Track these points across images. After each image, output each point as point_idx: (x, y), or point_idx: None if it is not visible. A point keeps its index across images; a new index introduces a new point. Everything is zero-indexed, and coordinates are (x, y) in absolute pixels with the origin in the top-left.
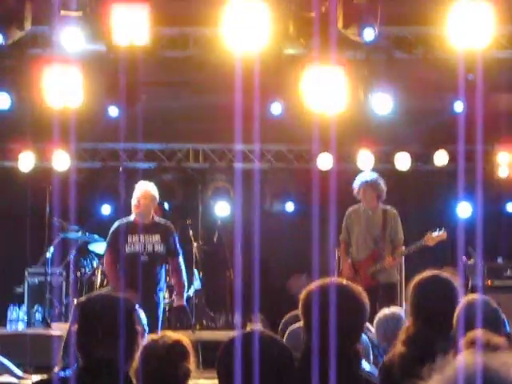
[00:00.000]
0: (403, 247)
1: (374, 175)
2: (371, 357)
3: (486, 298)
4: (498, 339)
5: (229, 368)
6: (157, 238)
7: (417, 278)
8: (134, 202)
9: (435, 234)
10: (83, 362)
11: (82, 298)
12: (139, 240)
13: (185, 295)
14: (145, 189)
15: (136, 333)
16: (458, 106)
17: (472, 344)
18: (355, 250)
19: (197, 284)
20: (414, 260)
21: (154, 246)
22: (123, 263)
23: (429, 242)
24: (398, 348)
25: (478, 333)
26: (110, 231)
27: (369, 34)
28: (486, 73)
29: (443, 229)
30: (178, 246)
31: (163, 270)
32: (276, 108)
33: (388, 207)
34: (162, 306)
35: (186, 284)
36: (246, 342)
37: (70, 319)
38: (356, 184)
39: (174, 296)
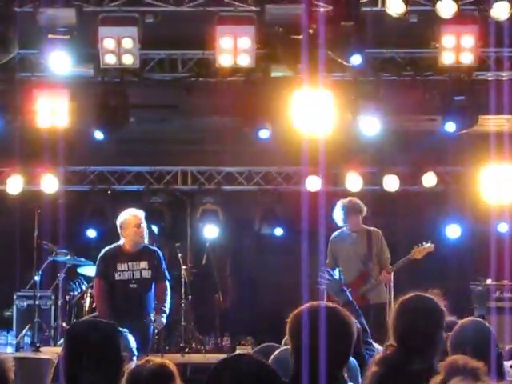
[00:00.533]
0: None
1: (355, 200)
2: (359, 380)
3: (478, 320)
4: (477, 364)
5: None
6: (144, 264)
7: (400, 299)
8: (131, 227)
9: (422, 247)
10: None
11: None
12: (128, 268)
13: (163, 318)
14: (140, 215)
15: (121, 359)
16: (449, 127)
17: (450, 368)
18: (345, 273)
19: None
20: (404, 281)
21: (141, 272)
22: (113, 291)
23: (416, 255)
24: (372, 368)
25: (458, 358)
26: (99, 258)
27: (356, 59)
28: (474, 95)
29: (429, 242)
30: (165, 271)
31: (151, 293)
32: (264, 132)
33: (371, 228)
34: (151, 329)
35: (167, 308)
36: (235, 366)
37: (61, 343)
38: (338, 212)
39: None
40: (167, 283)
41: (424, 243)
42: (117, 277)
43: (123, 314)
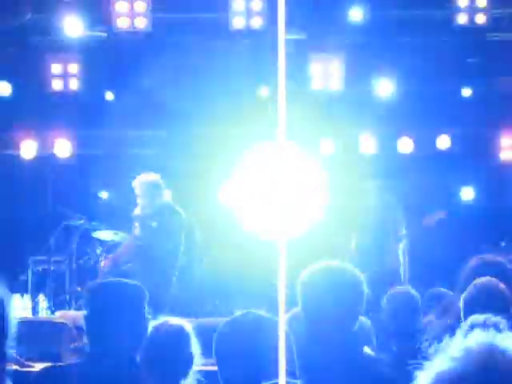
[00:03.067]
0: None
1: None
2: (373, 340)
3: (493, 280)
4: (498, 320)
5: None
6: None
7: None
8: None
9: (431, 216)
10: (91, 349)
11: (93, 283)
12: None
13: None
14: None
15: (145, 320)
16: (465, 91)
17: (472, 326)
18: None
19: None
20: (418, 249)
21: None
22: None
23: (428, 222)
24: None
25: (481, 316)
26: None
27: (355, 14)
28: (490, 56)
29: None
30: None
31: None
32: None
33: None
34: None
35: None
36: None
37: (76, 307)
38: None
39: None
40: None
41: (437, 211)
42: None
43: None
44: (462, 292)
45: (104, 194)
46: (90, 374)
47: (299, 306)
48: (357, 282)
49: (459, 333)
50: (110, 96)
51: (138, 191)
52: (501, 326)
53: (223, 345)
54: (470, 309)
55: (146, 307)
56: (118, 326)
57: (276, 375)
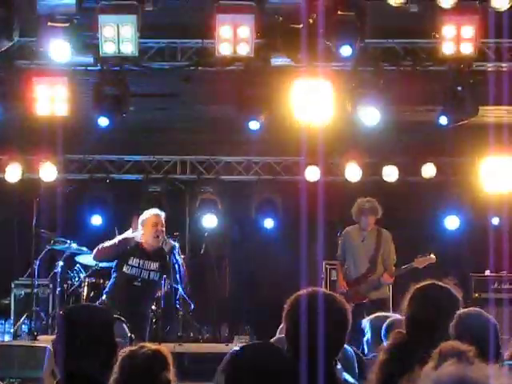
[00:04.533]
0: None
1: (374, 201)
2: (356, 369)
3: (478, 310)
4: (467, 348)
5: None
6: (155, 266)
7: (415, 287)
8: (148, 225)
9: (425, 257)
10: (61, 374)
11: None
12: (138, 265)
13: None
14: (159, 215)
15: (114, 345)
16: (443, 121)
17: (443, 354)
18: (352, 268)
19: None
20: (404, 276)
21: (150, 273)
22: (118, 280)
23: (418, 265)
24: (380, 355)
25: (448, 344)
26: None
27: (346, 50)
28: (474, 85)
29: (431, 253)
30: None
31: (152, 295)
32: (254, 123)
33: (382, 229)
34: (148, 318)
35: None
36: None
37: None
38: (357, 210)
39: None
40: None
41: (427, 254)
42: (125, 269)
43: (121, 308)
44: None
45: (89, 221)
46: None
47: (284, 331)
48: (343, 309)
49: (431, 362)
50: (95, 121)
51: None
52: (470, 355)
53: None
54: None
55: (116, 332)
56: (85, 350)
57: None
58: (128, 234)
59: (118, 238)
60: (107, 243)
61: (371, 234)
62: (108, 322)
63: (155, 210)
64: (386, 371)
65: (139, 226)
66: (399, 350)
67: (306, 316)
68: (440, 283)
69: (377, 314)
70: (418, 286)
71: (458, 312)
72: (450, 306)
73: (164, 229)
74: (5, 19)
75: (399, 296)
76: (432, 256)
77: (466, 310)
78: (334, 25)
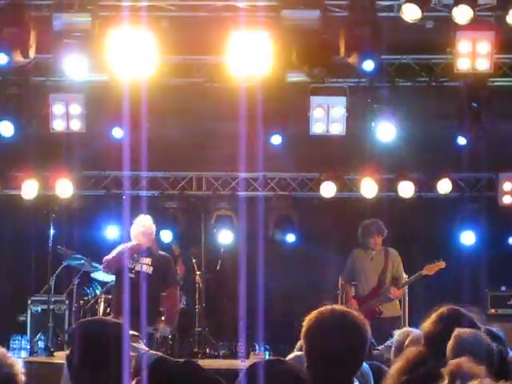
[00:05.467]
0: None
1: (378, 222)
2: None
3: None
4: (478, 368)
5: None
6: (147, 260)
7: (438, 311)
8: (137, 228)
9: (434, 263)
10: None
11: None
12: (131, 258)
13: (168, 329)
14: (146, 218)
15: (127, 359)
16: (461, 139)
17: (451, 372)
18: (362, 287)
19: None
20: (418, 291)
21: (142, 266)
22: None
23: (427, 272)
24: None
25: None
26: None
27: (369, 65)
28: (490, 101)
29: (441, 259)
30: (173, 276)
31: (152, 292)
32: (276, 137)
33: (389, 248)
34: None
35: (175, 318)
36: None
37: None
38: (364, 232)
39: (159, 324)
40: (177, 289)
41: (436, 260)
42: (121, 260)
43: (121, 308)
44: None
45: (105, 237)
46: None
47: (304, 349)
48: (361, 326)
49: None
50: (111, 137)
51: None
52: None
53: None
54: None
55: (129, 346)
56: (97, 365)
57: None
58: (124, 244)
59: (118, 248)
60: (110, 255)
61: (379, 253)
62: (120, 337)
63: (141, 217)
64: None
65: (131, 235)
66: (415, 364)
67: (326, 334)
68: (464, 311)
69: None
70: (442, 308)
71: (455, 333)
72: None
73: (151, 231)
74: (20, 37)
75: (415, 314)
76: (441, 261)
77: (462, 331)
78: (354, 40)
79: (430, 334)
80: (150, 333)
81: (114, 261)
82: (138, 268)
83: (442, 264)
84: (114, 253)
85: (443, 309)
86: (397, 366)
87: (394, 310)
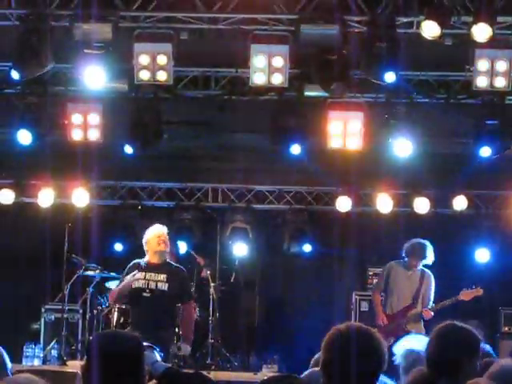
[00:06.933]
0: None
1: (427, 245)
2: None
3: None
4: None
5: None
6: (162, 277)
7: (437, 327)
8: (153, 238)
9: (471, 290)
10: None
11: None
12: (144, 277)
13: (189, 347)
14: (162, 228)
15: (142, 373)
16: (484, 152)
17: None
18: (395, 301)
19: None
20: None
21: (157, 284)
22: (130, 300)
23: (464, 297)
24: None
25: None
26: (127, 267)
27: (390, 77)
28: (508, 119)
29: (478, 287)
30: (189, 290)
31: (168, 309)
32: (296, 147)
33: (426, 270)
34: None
35: (192, 335)
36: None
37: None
38: (412, 249)
39: (180, 344)
40: (192, 303)
41: (473, 286)
42: (133, 284)
43: (139, 324)
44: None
45: (119, 246)
46: None
47: (320, 363)
48: (381, 345)
49: None
50: (128, 148)
51: (164, 234)
52: None
53: None
54: None
55: (144, 360)
56: (112, 379)
57: None
58: (128, 277)
59: (124, 281)
60: (116, 288)
61: (416, 273)
62: (136, 352)
63: (156, 226)
64: None
65: (144, 247)
66: None
67: (343, 350)
68: (460, 324)
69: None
70: (439, 325)
71: (499, 363)
72: (467, 345)
73: (167, 239)
74: (38, 47)
75: (430, 331)
76: (479, 289)
77: (506, 361)
78: (373, 56)
79: (433, 355)
80: (170, 351)
81: (120, 295)
82: (152, 286)
83: (479, 291)
84: (120, 285)
85: (439, 326)
86: None
87: (418, 330)
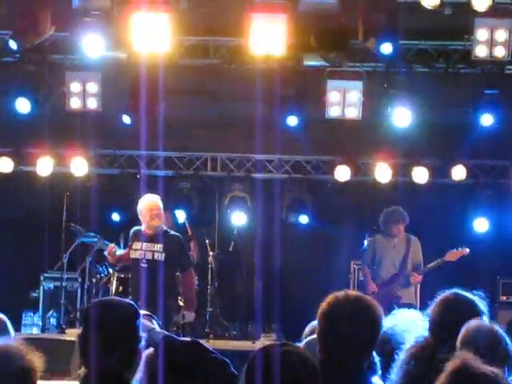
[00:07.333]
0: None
1: (400, 209)
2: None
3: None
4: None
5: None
6: (158, 247)
7: (440, 296)
8: (146, 211)
9: (457, 250)
10: (86, 370)
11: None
12: (141, 247)
13: (193, 314)
14: (155, 199)
15: (138, 341)
16: (485, 120)
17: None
18: (384, 271)
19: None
20: (432, 277)
21: (153, 254)
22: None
23: (450, 258)
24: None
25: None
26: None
27: (387, 48)
28: (506, 88)
29: (463, 246)
30: (188, 258)
31: (167, 277)
32: (293, 119)
33: (411, 236)
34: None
35: (195, 302)
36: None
37: None
38: (387, 220)
39: (183, 312)
40: (192, 270)
41: (460, 248)
42: (131, 254)
43: (139, 294)
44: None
45: (117, 215)
46: None
47: (317, 331)
48: (374, 310)
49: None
50: (126, 117)
51: (157, 206)
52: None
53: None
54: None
55: (140, 326)
56: (106, 347)
57: None
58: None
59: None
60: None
61: (401, 240)
62: (132, 319)
63: (149, 196)
64: (407, 371)
65: (139, 216)
66: (422, 351)
67: (339, 317)
68: (463, 293)
69: None
70: (443, 293)
71: (466, 325)
72: (472, 315)
73: (160, 211)
74: (36, 15)
75: (427, 301)
76: (465, 249)
77: (473, 323)
78: (372, 25)
79: (435, 321)
80: (174, 321)
81: (119, 259)
82: (148, 256)
83: (464, 251)
84: (119, 252)
85: (447, 294)
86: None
87: (410, 297)
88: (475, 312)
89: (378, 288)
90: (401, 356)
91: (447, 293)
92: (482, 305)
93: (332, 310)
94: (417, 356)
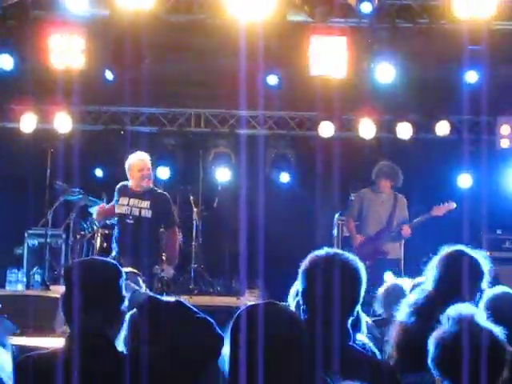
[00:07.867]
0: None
1: (395, 167)
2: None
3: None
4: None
5: (239, 338)
6: (145, 204)
7: (444, 249)
8: (135, 171)
9: (443, 205)
10: (70, 330)
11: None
12: (127, 203)
13: (172, 269)
14: (145, 158)
15: (121, 299)
16: (470, 76)
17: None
18: (370, 226)
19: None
20: (414, 237)
21: (140, 211)
22: (117, 223)
23: (437, 213)
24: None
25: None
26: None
27: (366, 7)
28: (491, 44)
29: (450, 200)
30: (173, 216)
31: (152, 235)
32: (276, 77)
33: (399, 194)
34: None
35: (176, 258)
36: (260, 313)
37: None
38: (376, 173)
39: (163, 265)
40: (176, 229)
41: (446, 202)
42: (117, 209)
43: (123, 249)
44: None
45: (101, 172)
46: (67, 359)
47: (300, 290)
48: (358, 268)
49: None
50: (109, 73)
51: (147, 166)
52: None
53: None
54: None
55: (123, 285)
56: (88, 306)
57: None
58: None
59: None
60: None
61: (388, 197)
62: (114, 279)
63: (139, 154)
64: (409, 330)
65: (126, 172)
66: (424, 308)
67: (318, 275)
68: (467, 250)
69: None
70: (447, 248)
71: (489, 293)
72: (474, 273)
73: (150, 172)
74: None
75: (412, 257)
76: (451, 203)
77: (496, 292)
78: None
79: (439, 277)
80: (154, 273)
81: (104, 216)
82: (135, 213)
83: (451, 205)
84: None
85: (450, 250)
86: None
87: (396, 252)
88: (479, 268)
89: (364, 242)
90: (401, 312)
91: (450, 250)
92: (486, 263)
93: (311, 269)
94: (419, 313)
